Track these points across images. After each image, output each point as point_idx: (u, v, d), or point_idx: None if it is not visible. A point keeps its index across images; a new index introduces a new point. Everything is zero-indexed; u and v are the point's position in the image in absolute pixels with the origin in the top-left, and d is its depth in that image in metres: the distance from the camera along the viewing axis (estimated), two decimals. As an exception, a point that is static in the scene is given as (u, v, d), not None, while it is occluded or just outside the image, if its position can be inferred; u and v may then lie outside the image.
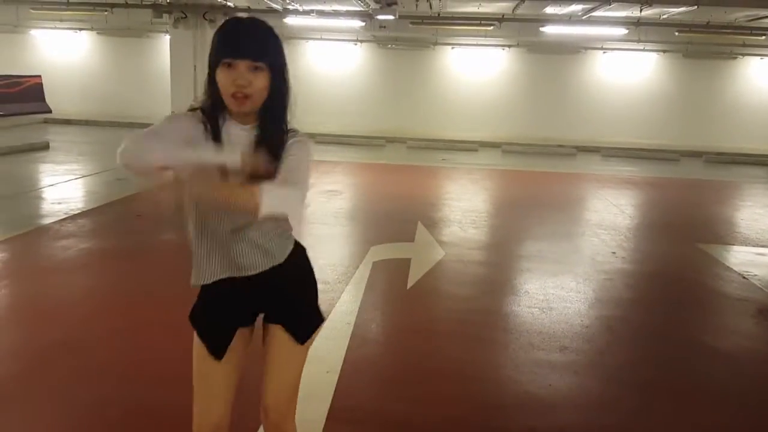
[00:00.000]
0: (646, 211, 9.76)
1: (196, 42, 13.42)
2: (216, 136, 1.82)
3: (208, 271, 1.93)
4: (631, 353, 4.23)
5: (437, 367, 3.83)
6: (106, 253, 5.95)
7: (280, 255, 1.97)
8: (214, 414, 2.03)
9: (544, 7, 13.06)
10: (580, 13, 13.09)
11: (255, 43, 1.78)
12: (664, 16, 13.17)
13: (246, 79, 1.75)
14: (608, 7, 11.38)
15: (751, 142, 18.15)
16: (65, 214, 7.12)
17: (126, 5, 13.73)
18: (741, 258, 6.67)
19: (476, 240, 7.12)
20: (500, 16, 13.58)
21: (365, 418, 3.20)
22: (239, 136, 1.83)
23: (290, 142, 1.86)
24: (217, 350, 1.99)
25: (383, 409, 3.31)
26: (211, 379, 2.02)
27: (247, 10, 13.70)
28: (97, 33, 19.56)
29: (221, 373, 2.01)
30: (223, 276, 1.93)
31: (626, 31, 14.02)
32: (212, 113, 1.83)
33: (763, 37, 14.78)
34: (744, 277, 5.89)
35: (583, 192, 11.10)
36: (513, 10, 13.19)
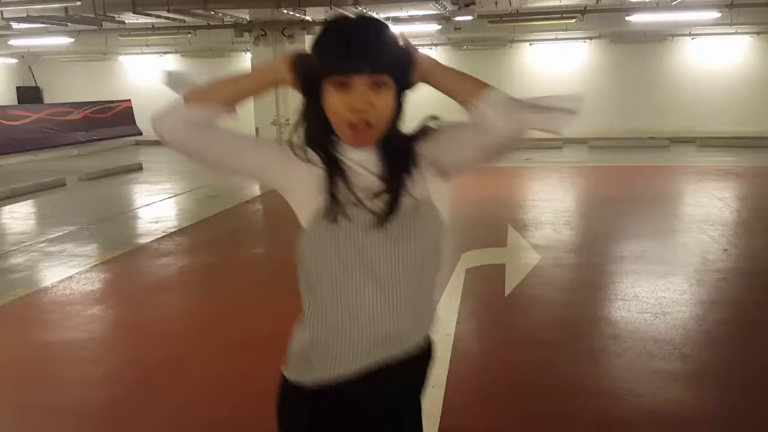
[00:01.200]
0: (755, 203, 9.09)
1: (276, 57, 13.66)
2: (339, 166, 1.36)
3: (347, 357, 1.36)
4: (759, 361, 3.88)
5: (546, 380, 3.62)
6: (205, 269, 6.05)
7: (424, 332, 1.45)
8: None
9: (630, -5, 12.51)
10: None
11: (373, 49, 1.30)
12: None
13: (366, 101, 1.29)
14: (700, -11, 10.75)
15: None
16: (163, 232, 7.32)
17: (208, 26, 14.13)
18: None
19: (572, 242, 6.82)
20: (582, 8, 13.09)
21: (476, 437, 3.05)
22: (361, 161, 1.37)
23: (418, 134, 1.42)
24: None
25: (493, 428, 3.14)
26: None
27: (324, 23, 13.81)
28: (181, 55, 20.30)
29: None
30: (370, 361, 1.37)
31: (719, 15, 13.21)
32: (319, 144, 1.39)
33: None
34: None
35: (681, 185, 10.51)
36: (597, 1, 12.69)
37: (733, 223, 7.46)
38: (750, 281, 5.35)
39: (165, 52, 20.15)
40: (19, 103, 19.86)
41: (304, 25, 13.45)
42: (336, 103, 1.30)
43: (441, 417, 3.13)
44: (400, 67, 1.34)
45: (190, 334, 4.43)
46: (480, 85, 1.34)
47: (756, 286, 5.24)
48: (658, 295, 4.86)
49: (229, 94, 1.42)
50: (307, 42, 13.62)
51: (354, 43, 1.30)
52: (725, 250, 6.15)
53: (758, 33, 17.19)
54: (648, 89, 18.03)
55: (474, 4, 10.78)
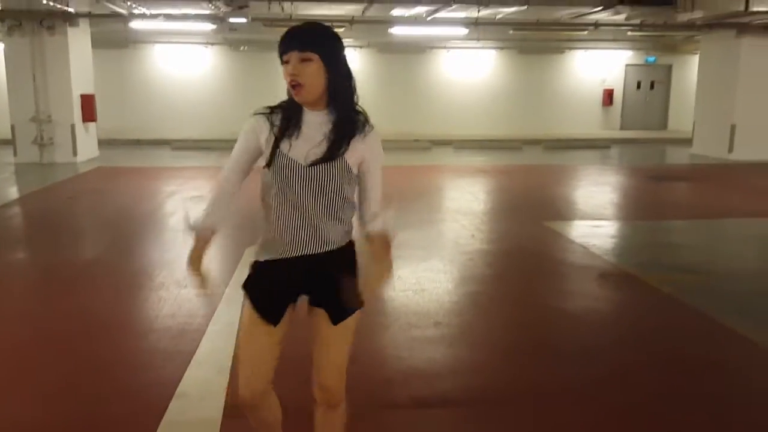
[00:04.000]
0: (498, 195, 10.58)
1: (35, 50, 12.63)
2: (297, 123, 2.06)
3: (292, 246, 2.13)
4: (495, 322, 4.73)
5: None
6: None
7: (338, 240, 2.18)
8: (262, 379, 2.23)
9: (391, 9, 13.64)
10: (424, 15, 13.81)
11: (302, 37, 2.00)
12: (499, 16, 14.22)
13: (297, 69, 1.97)
14: (450, 8, 12.15)
15: (581, 128, 20.07)
16: None
17: (-52, 12, 12.61)
18: (581, 231, 7.50)
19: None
20: (350, 18, 13.99)
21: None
22: (313, 121, 2.07)
23: (370, 132, 2.13)
24: (273, 317, 2.18)
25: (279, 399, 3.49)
26: (260, 345, 2.20)
27: (89, 15, 13.08)
28: None
29: (271, 340, 2.20)
30: (306, 252, 2.13)
31: (467, 31, 14.97)
32: (292, 106, 2.09)
33: (586, 32, 16.41)
34: (585, 248, 6.66)
35: (440, 182, 11.79)
36: (363, 12, 13.64)
37: (480, 212, 8.67)
38: (490, 260, 6.36)
39: None
40: None
41: (67, 17, 12.61)
42: (283, 72, 2.02)
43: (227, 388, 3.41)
44: (325, 49, 2.02)
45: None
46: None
47: (495, 264, 6.26)
48: (418, 275, 5.61)
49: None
50: (69, 34, 12.77)
51: (290, 36, 2.02)
52: (473, 235, 7.18)
53: (501, 48, 19.68)
54: (411, 96, 19.69)
55: (247, 6, 11.03)
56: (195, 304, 4.80)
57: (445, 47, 19.48)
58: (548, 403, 3.47)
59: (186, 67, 18.98)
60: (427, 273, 5.71)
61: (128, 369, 3.80)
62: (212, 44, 18.67)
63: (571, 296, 5.38)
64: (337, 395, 2.34)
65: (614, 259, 6.28)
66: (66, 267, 5.74)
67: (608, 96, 20.92)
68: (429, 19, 13.89)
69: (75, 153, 13.11)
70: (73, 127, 13.06)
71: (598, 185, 11.43)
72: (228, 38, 18.01)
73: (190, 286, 5.03)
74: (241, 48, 18.86)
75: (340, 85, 2.07)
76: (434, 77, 20.03)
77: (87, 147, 13.72)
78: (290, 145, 2.06)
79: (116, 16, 13.23)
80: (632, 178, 12.34)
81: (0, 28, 12.85)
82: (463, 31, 15.04)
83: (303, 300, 2.27)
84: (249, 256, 5.80)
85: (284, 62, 2.02)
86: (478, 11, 12.90)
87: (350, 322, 2.27)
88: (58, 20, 12.61)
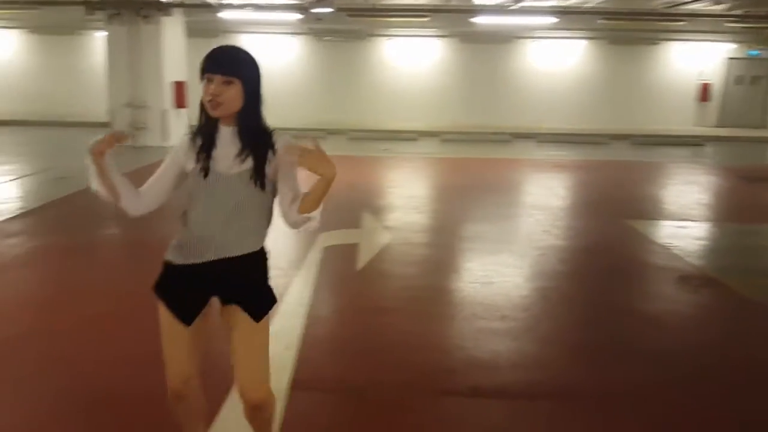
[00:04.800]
0: (578, 191, 10.30)
1: (131, 38, 13.28)
2: (212, 138, 2.19)
3: (197, 252, 2.21)
4: (564, 319, 4.62)
5: (388, 339, 4.13)
6: (55, 249, 5.98)
7: (248, 247, 2.25)
8: (185, 371, 2.32)
9: (476, -1, 13.48)
10: (510, 3, 13.56)
11: (228, 63, 2.13)
12: (589, 5, 13.78)
13: (218, 90, 2.10)
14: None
15: (674, 124, 19.20)
16: (10, 213, 7.08)
17: (56, 2, 13.43)
18: (665, 231, 7.21)
19: (420, 224, 7.44)
20: (434, 7, 13.93)
21: (326, 386, 3.47)
22: (225, 135, 2.19)
23: (285, 140, 2.19)
24: (186, 318, 2.27)
25: (341, 377, 3.58)
26: (179, 343, 2.30)
27: (181, 5, 13.61)
28: (29, 31, 18.99)
29: (188, 337, 2.29)
30: (211, 258, 2.21)
31: (555, 20, 14.60)
32: (208, 123, 2.20)
33: (682, 23, 15.65)
34: (667, 248, 6.40)
35: (518, 176, 11.59)
36: (447, 1, 13.55)
37: (557, 207, 8.47)
38: (564, 256, 6.21)
39: (9, 27, 18.75)
40: None
41: (161, 7, 13.19)
42: (203, 89, 2.13)
43: (293, 371, 3.52)
44: (246, 75, 2.15)
45: (40, 310, 4.47)
46: (314, 206, 2.19)
47: (568, 261, 6.11)
48: (487, 268, 5.56)
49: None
50: (163, 23, 13.35)
51: (217, 58, 2.15)
52: (547, 231, 7.03)
53: (590, 38, 19.08)
54: (494, 87, 19.41)
55: (333, -4, 11.18)
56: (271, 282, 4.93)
57: (530, 37, 19.07)
58: (611, 403, 3.38)
59: (272, 57, 19.42)
60: (496, 266, 5.64)
61: (209, 340, 3.97)
62: (298, 34, 19.03)
63: (647, 297, 5.19)
64: (263, 392, 2.31)
65: (697, 262, 6.00)
66: (153, 242, 6.03)
67: (705, 91, 19.90)
68: (515, 8, 13.62)
69: (166, 137, 13.71)
70: (164, 112, 13.66)
71: (687, 184, 10.92)
72: (313, 28, 18.31)
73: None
74: (325, 38, 19.13)
75: (252, 106, 2.18)
76: (518, 68, 19.66)
77: (177, 132, 14.31)
78: (208, 157, 2.17)
79: (206, 6, 13.69)
80: (725, 178, 11.71)
81: (101, 17, 13.57)
82: (551, 20, 14.66)
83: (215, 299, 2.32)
84: (323, 241, 5.88)
85: (206, 79, 2.12)
86: None
87: (265, 323, 2.31)
88: (153, 9, 13.20)
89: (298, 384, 3.40)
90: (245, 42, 19.09)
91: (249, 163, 2.16)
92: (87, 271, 5.41)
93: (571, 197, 9.69)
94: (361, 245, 6.18)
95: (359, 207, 7.83)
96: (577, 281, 5.51)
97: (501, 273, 5.45)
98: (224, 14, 14.59)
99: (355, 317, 4.54)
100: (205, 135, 2.21)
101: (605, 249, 6.53)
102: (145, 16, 13.21)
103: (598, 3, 13.45)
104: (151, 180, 2.29)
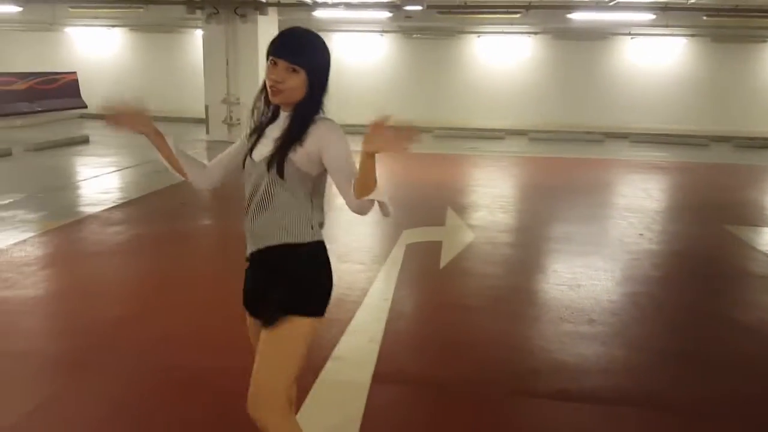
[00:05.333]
0: (674, 194, 9.86)
1: (228, 37, 13.77)
2: (267, 120, 2.13)
3: (246, 241, 2.15)
4: (655, 325, 4.44)
5: (471, 337, 4.09)
6: (156, 237, 6.30)
7: (278, 238, 2.07)
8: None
9: (572, -6, 13.12)
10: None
11: (296, 49, 1.99)
12: (692, 1, 13.14)
13: (282, 77, 1.98)
14: (636, -8, 11.41)
15: (782, 126, 18.00)
16: (113, 203, 7.51)
17: (160, 1, 14.10)
18: (767, 239, 6.79)
19: (505, 223, 7.33)
20: (527, 4, 13.67)
21: (407, 379, 3.48)
22: (281, 119, 2.09)
23: (320, 122, 2.02)
24: (249, 310, 2.21)
25: (422, 373, 3.58)
26: (254, 340, 2.18)
27: (278, 4, 13.98)
28: (130, 29, 20.03)
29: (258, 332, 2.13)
30: (251, 249, 2.13)
31: (654, 17, 14.01)
32: (269, 104, 2.13)
33: (794, 19, 14.67)
34: (769, 256, 6.03)
35: (611, 177, 11.22)
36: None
37: (652, 211, 8.13)
38: (658, 262, 5.95)
39: (113, 26, 19.86)
40: (-43, 70, 19.23)
41: (257, 6, 13.60)
42: (267, 71, 2.03)
43: (376, 363, 3.56)
44: (313, 66, 2.01)
45: (143, 293, 4.72)
46: (366, 187, 1.93)
47: (662, 266, 5.85)
48: (575, 271, 5.41)
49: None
50: (259, 22, 13.76)
51: (285, 41, 2.03)
52: (641, 234, 6.76)
53: (691, 35, 18.17)
54: (587, 85, 18.82)
55: (424, -6, 11.18)
56: (354, 277, 5.00)
57: (627, 34, 18.36)
58: (702, 413, 3.22)
59: (361, 55, 19.63)
60: (585, 269, 5.48)
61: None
62: (387, 32, 19.14)
63: (745, 306, 4.90)
64: (256, 412, 2.00)
65: (804, 271, 5.62)
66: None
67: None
68: (612, 3, 13.17)
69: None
70: (258, 108, 14.09)
71: (795, 189, 10.25)
72: (402, 26, 18.36)
73: (350, 261, 5.25)
74: (414, 36, 19.14)
75: (314, 97, 2.05)
76: (613, 66, 18.97)
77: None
78: (257, 142, 2.10)
79: (302, 5, 13.99)
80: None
81: (200, 15, 14.14)
82: (650, 16, 14.08)
83: None
84: (406, 237, 5.88)
85: (270, 61, 2.00)
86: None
87: (288, 331, 2.02)
88: (249, 8, 13.62)
89: (379, 377, 3.43)
90: (335, 40, 19.40)
91: (283, 147, 2.02)
92: (188, 257, 5.67)
93: (667, 200, 9.29)
94: (444, 243, 6.16)
95: (444, 205, 7.80)
96: (670, 287, 5.28)
97: (590, 276, 5.29)
98: (318, 13, 14.87)
99: (437, 313, 4.52)
100: (262, 117, 2.15)
101: (702, 255, 6.22)
102: (242, 15, 13.66)
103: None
104: (218, 156, 2.33)
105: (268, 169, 2.02)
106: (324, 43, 2.06)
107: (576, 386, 3.46)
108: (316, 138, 1.99)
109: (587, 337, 4.10)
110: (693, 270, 5.76)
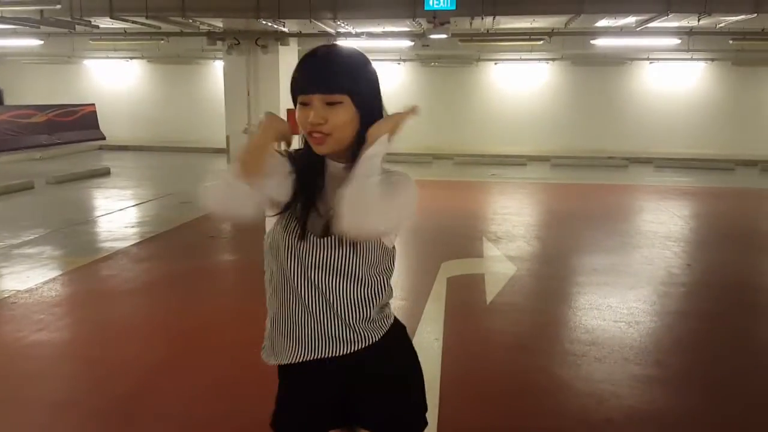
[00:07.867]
0: (711, 221, 9.57)
1: (249, 67, 13.75)
2: (315, 180, 1.56)
3: (286, 349, 1.59)
4: (726, 366, 4.16)
5: (534, 382, 3.84)
6: (189, 273, 6.09)
7: (374, 332, 1.63)
8: None
9: (598, 20, 12.99)
10: (633, 25, 12.99)
11: (329, 75, 1.47)
12: (721, 25, 12.97)
13: (321, 116, 1.46)
14: (665, 17, 11.25)
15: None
16: (141, 237, 7.34)
17: (182, 33, 14.14)
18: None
19: (544, 254, 7.09)
20: (550, 30, 13.57)
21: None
22: (337, 175, 1.53)
23: (388, 176, 1.51)
24: None
25: (489, 425, 3.32)
26: None
27: (299, 35, 13.96)
28: (148, 61, 20.14)
29: None
30: (302, 358, 1.58)
31: (679, 41, 13.87)
32: (311, 154, 1.55)
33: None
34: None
35: (642, 203, 10.95)
36: (566, 24, 13.15)
37: (694, 239, 7.87)
38: (713, 294, 5.69)
39: (131, 57, 19.98)
40: (-23, 104, 19.39)
41: (279, 36, 13.58)
42: (298, 117, 1.50)
43: (438, 415, 3.30)
44: (359, 88, 1.50)
45: (181, 336, 4.50)
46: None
47: (719, 299, 5.57)
48: (630, 306, 5.14)
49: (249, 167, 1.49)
50: (280, 52, 13.74)
51: (311, 71, 1.49)
52: (689, 264, 6.49)
53: (712, 60, 18.01)
54: (607, 110, 18.67)
55: (449, 23, 11.09)
56: (400, 315, 4.75)
57: (647, 59, 18.23)
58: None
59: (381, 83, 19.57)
60: (639, 304, 5.22)
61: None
62: (404, 60, 19.11)
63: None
64: None
65: None
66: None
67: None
68: (639, 29, 13.03)
69: (279, 162, 14.04)
70: (278, 138, 14.00)
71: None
72: (420, 54, 18.33)
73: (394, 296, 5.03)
74: (432, 63, 19.10)
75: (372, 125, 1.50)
76: (634, 90, 18.82)
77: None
78: (301, 209, 1.54)
79: (324, 35, 13.96)
80: None
81: (221, 46, 14.14)
82: (675, 41, 13.93)
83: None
84: (445, 270, 5.59)
85: (300, 103, 1.49)
86: (698, 20, 11.79)
87: None
88: (270, 39, 13.61)
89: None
90: (354, 69, 19.39)
91: None
92: (227, 294, 5.47)
93: (706, 227, 9.01)
94: (486, 276, 5.92)
95: (478, 235, 7.58)
96: (730, 322, 4.98)
97: (646, 311, 5.03)
98: (341, 42, 14.84)
99: (493, 355, 4.27)
100: (308, 174, 1.55)
101: (755, 286, 5.95)
102: (263, 46, 13.65)
103: (731, 23, 12.61)
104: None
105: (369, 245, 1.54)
106: (360, 53, 1.55)
107: (659, 438, 3.20)
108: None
109: (657, 381, 3.84)
110: (749, 302, 5.48)
